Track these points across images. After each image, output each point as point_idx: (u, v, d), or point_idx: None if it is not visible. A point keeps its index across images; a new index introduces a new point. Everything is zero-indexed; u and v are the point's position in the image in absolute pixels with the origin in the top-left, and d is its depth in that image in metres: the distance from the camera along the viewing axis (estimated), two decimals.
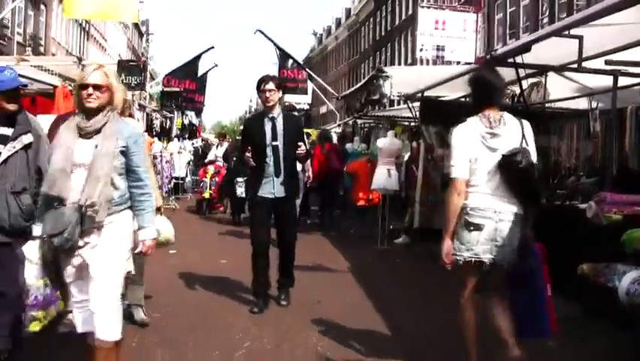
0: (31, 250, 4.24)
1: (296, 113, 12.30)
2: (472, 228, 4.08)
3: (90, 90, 3.62)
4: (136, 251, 3.79)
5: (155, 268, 6.07)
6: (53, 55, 32.61)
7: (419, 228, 9.94)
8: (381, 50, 46.84)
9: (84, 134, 3.63)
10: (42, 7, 32.70)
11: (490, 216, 4.06)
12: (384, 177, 10.86)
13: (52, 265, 3.92)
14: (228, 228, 12.22)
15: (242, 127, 7.06)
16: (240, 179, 12.20)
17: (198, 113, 24.35)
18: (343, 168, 13.11)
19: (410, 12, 41.06)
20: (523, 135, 4.12)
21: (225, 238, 11.06)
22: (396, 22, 43.03)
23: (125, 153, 3.66)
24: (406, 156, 12.04)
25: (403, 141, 13.04)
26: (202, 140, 25.92)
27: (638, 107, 7.42)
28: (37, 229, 4.01)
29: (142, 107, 16.95)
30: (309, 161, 9.25)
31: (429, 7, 25.85)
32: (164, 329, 5.35)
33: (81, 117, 3.67)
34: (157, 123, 24.86)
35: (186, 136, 23.81)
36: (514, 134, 4.11)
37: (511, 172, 4.01)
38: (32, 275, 4.32)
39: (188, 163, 18.73)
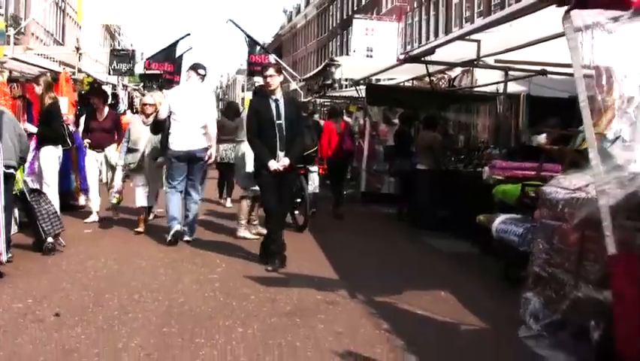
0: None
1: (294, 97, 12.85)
2: None
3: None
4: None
5: None
6: (33, 34, 33.80)
7: (364, 192, 11.95)
8: (348, 28, 48.25)
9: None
10: None
11: None
12: None
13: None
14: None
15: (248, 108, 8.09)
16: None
17: None
18: (354, 148, 12.24)
19: None
20: None
21: None
22: (362, 2, 44.66)
23: None
24: None
25: (357, 119, 14.94)
26: None
27: (528, 94, 9.30)
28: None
29: (125, 87, 18.61)
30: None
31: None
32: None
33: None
34: (137, 101, 26.42)
35: None
36: None
37: None
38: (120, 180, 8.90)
39: None
